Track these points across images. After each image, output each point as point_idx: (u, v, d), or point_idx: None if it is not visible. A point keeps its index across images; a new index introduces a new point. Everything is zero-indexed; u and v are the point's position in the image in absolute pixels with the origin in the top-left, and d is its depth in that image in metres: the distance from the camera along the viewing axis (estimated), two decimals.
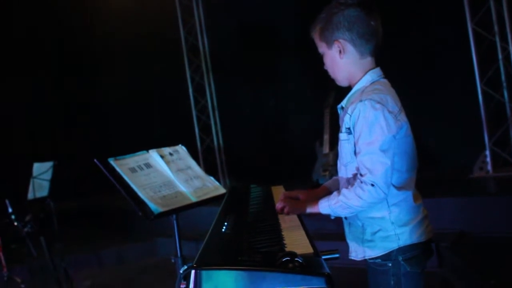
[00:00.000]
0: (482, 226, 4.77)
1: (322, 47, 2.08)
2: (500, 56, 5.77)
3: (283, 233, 1.82)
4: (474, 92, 5.87)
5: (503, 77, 5.79)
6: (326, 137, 6.37)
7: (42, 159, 5.28)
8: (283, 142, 8.12)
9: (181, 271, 2.26)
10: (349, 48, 2.01)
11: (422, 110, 6.41)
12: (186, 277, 1.47)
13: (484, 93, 5.83)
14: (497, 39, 5.74)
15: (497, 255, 4.27)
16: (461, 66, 6.07)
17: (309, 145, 6.68)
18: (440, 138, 6.47)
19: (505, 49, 5.76)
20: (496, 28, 5.71)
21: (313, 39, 2.11)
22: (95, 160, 2.35)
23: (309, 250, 1.58)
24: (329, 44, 2.04)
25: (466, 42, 5.84)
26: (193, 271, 1.39)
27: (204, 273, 1.39)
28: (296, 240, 1.72)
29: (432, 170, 6.39)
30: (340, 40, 2.00)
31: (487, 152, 5.84)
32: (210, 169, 8.10)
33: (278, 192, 2.61)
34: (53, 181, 5.18)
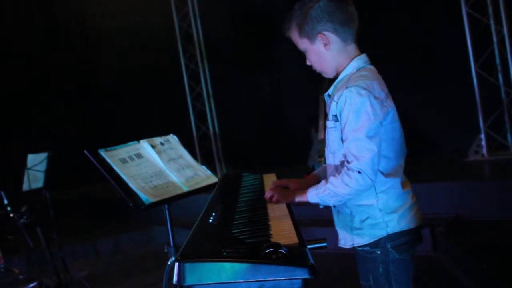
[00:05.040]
0: (477, 210, 4.77)
1: (303, 44, 2.05)
2: (494, 39, 5.74)
3: (270, 223, 1.82)
4: (468, 75, 5.85)
5: (497, 60, 5.77)
6: (321, 123, 6.36)
7: (37, 150, 5.27)
8: (278, 128, 8.12)
9: (169, 263, 2.28)
10: (333, 38, 1.98)
11: (417, 94, 6.40)
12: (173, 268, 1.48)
13: (478, 76, 5.82)
14: (492, 22, 5.71)
15: (492, 239, 4.28)
16: (456, 50, 6.04)
17: (305, 131, 6.68)
18: (435, 122, 6.46)
19: (499, 32, 5.73)
20: (490, 10, 5.68)
21: (289, 37, 2.08)
22: (85, 151, 2.35)
23: (295, 240, 1.57)
24: (312, 38, 2.01)
25: (461, 25, 5.81)
26: (176, 264, 1.39)
27: (187, 266, 1.38)
28: (283, 230, 1.71)
29: (427, 154, 6.40)
30: (324, 32, 1.98)
31: (482, 136, 5.84)
32: (206, 156, 8.10)
33: (270, 180, 2.60)
34: (48, 172, 5.16)
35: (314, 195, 1.99)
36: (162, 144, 2.71)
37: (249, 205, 2.16)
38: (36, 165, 5.11)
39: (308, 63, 2.10)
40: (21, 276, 5.39)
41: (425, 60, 6.40)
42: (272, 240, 1.60)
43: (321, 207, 2.06)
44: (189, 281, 1.38)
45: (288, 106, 7.99)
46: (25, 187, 5.10)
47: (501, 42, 5.74)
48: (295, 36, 2.06)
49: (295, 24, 2.03)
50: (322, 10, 1.95)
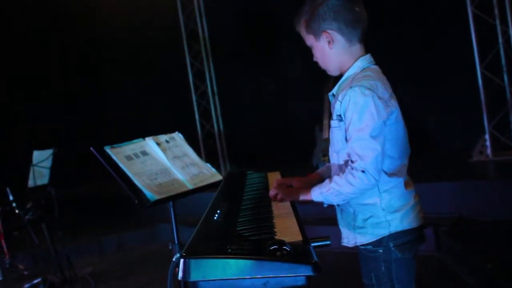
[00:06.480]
0: (481, 210, 4.77)
1: (309, 40, 2.07)
2: (500, 40, 5.74)
3: (274, 221, 1.83)
4: (474, 75, 5.85)
5: (503, 61, 5.76)
6: (325, 122, 6.37)
7: (42, 147, 5.30)
8: (283, 127, 8.13)
9: (174, 259, 2.30)
10: (338, 37, 2.00)
11: (421, 94, 6.41)
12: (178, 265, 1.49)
13: (484, 76, 5.81)
14: (497, 22, 5.71)
15: (495, 239, 4.29)
16: (461, 50, 6.04)
17: (309, 130, 6.69)
18: (440, 122, 6.47)
19: (505, 33, 5.73)
20: (496, 11, 5.67)
21: (299, 32, 2.10)
22: (91, 148, 2.37)
23: (299, 238, 1.59)
24: (317, 36, 2.03)
25: (466, 25, 5.81)
26: (182, 260, 1.41)
27: (192, 262, 1.40)
28: (287, 228, 1.72)
29: (431, 154, 6.40)
30: (328, 31, 1.99)
31: (487, 136, 5.83)
32: (210, 154, 8.11)
33: (274, 179, 2.62)
34: (53, 169, 5.19)
35: (318, 194, 2.00)
36: (167, 141, 2.73)
37: (253, 203, 2.18)
38: (42, 161, 5.14)
39: (314, 59, 2.12)
40: (26, 272, 5.43)
41: (430, 60, 6.40)
42: (276, 237, 1.62)
43: (325, 206, 2.07)
44: (194, 277, 1.40)
45: (292, 104, 8.00)
46: (31, 183, 5.13)
47: (507, 42, 5.74)
48: (302, 31, 2.08)
49: (303, 19, 2.05)
50: (329, 9, 1.97)
